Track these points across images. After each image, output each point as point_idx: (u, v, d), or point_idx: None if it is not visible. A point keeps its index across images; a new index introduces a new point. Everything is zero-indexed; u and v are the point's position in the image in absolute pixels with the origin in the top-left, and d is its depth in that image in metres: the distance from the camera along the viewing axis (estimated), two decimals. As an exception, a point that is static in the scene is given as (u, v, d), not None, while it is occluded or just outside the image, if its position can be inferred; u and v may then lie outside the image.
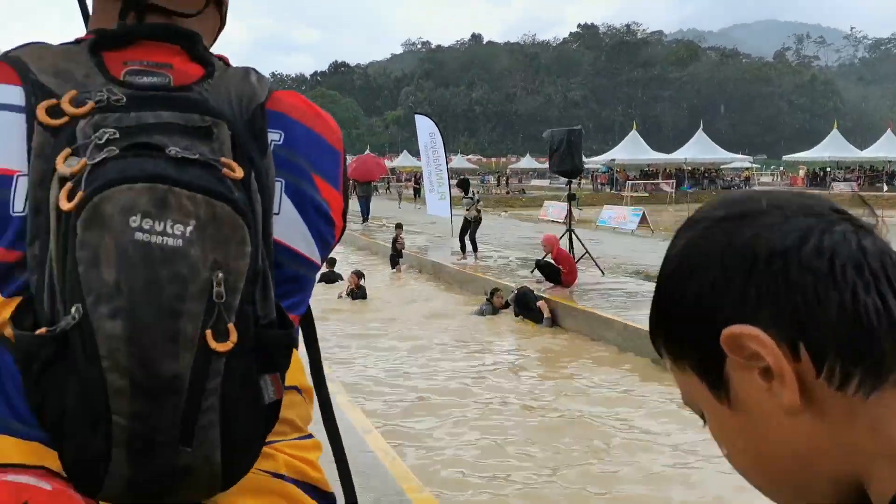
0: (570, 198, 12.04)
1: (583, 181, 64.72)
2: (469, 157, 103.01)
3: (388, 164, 79.99)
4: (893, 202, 38.91)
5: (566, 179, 12.70)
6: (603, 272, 11.07)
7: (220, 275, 0.76)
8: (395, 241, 14.55)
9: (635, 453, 5.22)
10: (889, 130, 55.47)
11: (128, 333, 0.72)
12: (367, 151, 77.02)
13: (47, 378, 0.75)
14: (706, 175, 55.23)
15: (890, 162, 53.22)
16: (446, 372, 7.37)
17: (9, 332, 0.80)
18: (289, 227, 0.91)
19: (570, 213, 11.95)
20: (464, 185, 15.25)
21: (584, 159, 78.42)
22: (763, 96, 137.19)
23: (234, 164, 0.81)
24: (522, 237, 19.48)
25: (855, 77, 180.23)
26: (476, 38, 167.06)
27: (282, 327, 0.86)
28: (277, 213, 0.89)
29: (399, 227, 15.14)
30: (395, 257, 14.29)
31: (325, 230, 0.96)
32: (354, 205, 27.56)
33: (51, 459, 0.79)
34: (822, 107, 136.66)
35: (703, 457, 5.03)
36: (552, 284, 9.69)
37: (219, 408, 0.77)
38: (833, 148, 53.07)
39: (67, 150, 0.77)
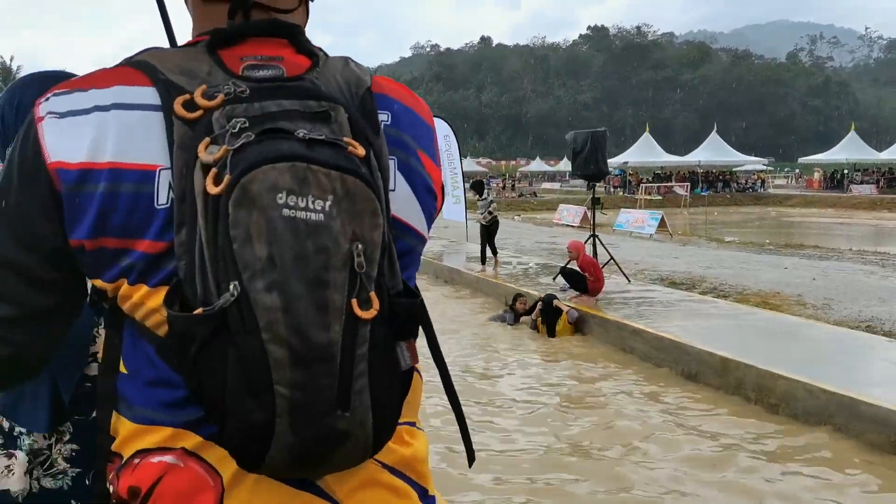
0: (595, 202, 11.57)
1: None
2: (479, 160, 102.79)
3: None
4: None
5: (582, 183, 12.31)
6: (629, 280, 10.64)
7: (360, 246, 0.80)
8: None
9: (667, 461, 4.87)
10: (906, 132, 54.90)
11: (284, 305, 0.76)
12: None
13: (207, 356, 0.78)
14: (720, 178, 54.67)
15: (911, 164, 52.64)
16: (477, 383, 7.01)
17: (153, 321, 0.85)
18: (403, 203, 0.96)
19: (593, 217, 11.50)
20: (478, 187, 14.81)
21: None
22: (776, 98, 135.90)
23: (356, 143, 0.85)
24: (539, 242, 19.10)
25: (870, 78, 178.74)
26: (485, 40, 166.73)
27: (408, 296, 0.89)
28: (393, 190, 0.93)
29: None
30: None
31: (431, 204, 1.01)
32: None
33: (188, 441, 0.86)
34: (837, 108, 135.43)
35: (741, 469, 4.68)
36: (577, 293, 9.27)
37: (367, 373, 0.80)
38: (850, 150, 52.41)
39: (207, 140, 0.82)
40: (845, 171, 53.82)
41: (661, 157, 52.98)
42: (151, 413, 0.87)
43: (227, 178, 0.78)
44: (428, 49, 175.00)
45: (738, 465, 4.82)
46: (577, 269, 9.34)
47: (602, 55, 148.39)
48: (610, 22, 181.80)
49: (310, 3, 1.06)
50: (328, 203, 0.79)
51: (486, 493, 4.51)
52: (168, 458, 0.85)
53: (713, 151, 52.05)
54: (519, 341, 8.80)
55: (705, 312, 8.48)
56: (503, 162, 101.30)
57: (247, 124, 0.82)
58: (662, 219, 20.47)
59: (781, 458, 4.92)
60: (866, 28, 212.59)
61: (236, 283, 0.76)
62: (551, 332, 8.53)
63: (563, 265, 10.24)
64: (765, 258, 15.12)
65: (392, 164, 0.94)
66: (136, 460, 0.87)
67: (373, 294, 0.81)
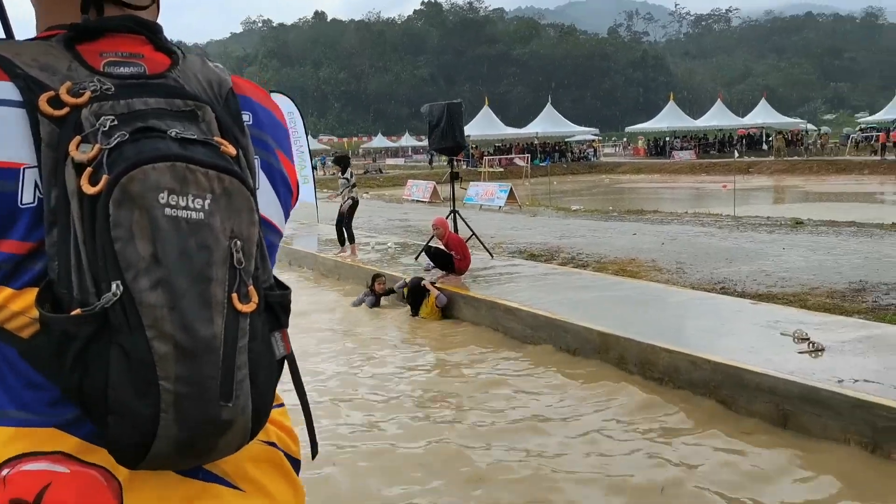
0: (454, 176, 11.22)
1: (435, 158, 64.89)
2: (320, 137, 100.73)
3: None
4: (728, 168, 41.76)
5: (425, 158, 11.98)
6: (492, 255, 10.43)
7: (238, 242, 0.83)
8: None
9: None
10: (719, 101, 59.58)
11: (170, 301, 0.77)
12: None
13: (87, 356, 0.78)
14: (556, 148, 56.82)
15: (721, 130, 57.10)
16: (334, 375, 6.44)
17: (16, 323, 0.82)
18: (266, 201, 0.99)
19: (452, 193, 11.17)
20: (342, 162, 13.34)
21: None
22: (601, 71, 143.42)
23: (227, 143, 0.87)
24: (391, 219, 18.60)
25: (681, 52, 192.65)
26: (319, 15, 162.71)
27: (279, 289, 0.94)
28: (258, 189, 0.94)
29: None
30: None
31: (288, 201, 1.06)
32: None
33: (66, 444, 0.84)
34: (654, 80, 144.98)
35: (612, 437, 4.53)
36: (443, 272, 8.91)
37: (248, 364, 0.83)
38: (670, 119, 56.10)
39: (77, 138, 0.81)
40: (667, 139, 57.47)
41: (500, 130, 54.17)
42: (16, 415, 0.84)
43: (105, 177, 0.78)
44: (260, 24, 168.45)
45: (633, 445, 4.64)
46: (442, 247, 8.97)
47: (437, 31, 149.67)
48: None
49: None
50: (207, 201, 0.81)
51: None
52: (48, 465, 0.82)
53: (549, 123, 53.99)
54: (382, 323, 8.35)
55: (574, 285, 8.39)
56: (345, 139, 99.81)
57: (116, 122, 0.82)
58: (511, 191, 20.64)
59: (676, 433, 4.80)
60: (675, 4, 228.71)
61: (118, 282, 0.76)
62: (415, 312, 8.16)
63: (425, 243, 9.85)
64: (612, 225, 15.54)
65: (256, 163, 0.96)
66: (6, 471, 0.83)
67: (251, 288, 0.84)
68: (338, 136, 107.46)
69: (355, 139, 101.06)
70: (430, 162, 60.62)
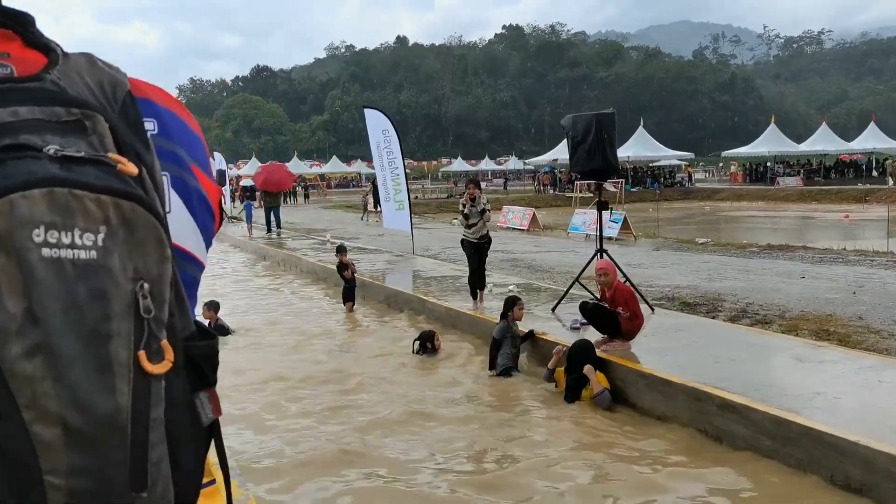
0: (601, 206, 9.06)
1: (526, 183, 62.75)
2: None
3: (317, 170, 76.65)
4: (841, 196, 38.21)
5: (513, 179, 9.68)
6: (652, 308, 8.21)
7: (145, 285, 0.65)
8: (340, 268, 11.22)
9: None
10: (824, 125, 55.54)
11: (52, 372, 0.60)
12: (295, 158, 74.13)
13: None
14: (648, 173, 53.96)
15: (826, 155, 53.28)
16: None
17: None
18: (181, 227, 0.83)
19: (600, 227, 9.01)
20: (476, 186, 10.07)
21: (524, 162, 76.66)
22: (686, 94, 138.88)
23: (125, 160, 0.69)
24: (493, 251, 16.38)
25: (771, 74, 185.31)
26: (401, 40, 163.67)
27: (203, 338, 0.77)
28: (169, 212, 0.81)
29: (342, 250, 11.51)
30: (349, 290, 11.12)
31: (209, 224, 0.90)
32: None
33: None
34: (744, 104, 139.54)
35: None
36: (604, 336, 6.73)
37: (165, 439, 0.67)
38: (770, 143, 52.72)
39: None
40: (768, 164, 54.07)
41: (589, 154, 51.65)
42: None
43: None
44: (343, 50, 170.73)
45: None
46: (603, 301, 6.79)
47: (518, 54, 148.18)
48: (522, 21, 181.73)
49: None
50: (101, 235, 0.63)
51: None
52: None
53: (641, 146, 51.15)
54: (526, 411, 6.22)
55: (786, 358, 6.14)
56: (424, 162, 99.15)
57: None
58: (626, 219, 18.28)
59: None
60: (764, 27, 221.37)
61: None
62: (575, 396, 6.04)
63: (588, 298, 7.66)
64: (761, 264, 13.16)
65: (165, 180, 0.78)
66: None
67: (164, 342, 0.66)
68: (416, 159, 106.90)
69: (434, 162, 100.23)
70: (505, 186, 58.57)
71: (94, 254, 0.62)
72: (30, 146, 0.63)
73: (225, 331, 9.20)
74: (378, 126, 14.87)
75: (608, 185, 49.21)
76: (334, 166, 78.19)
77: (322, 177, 72.52)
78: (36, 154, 0.63)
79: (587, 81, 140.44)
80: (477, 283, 9.51)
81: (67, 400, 0.59)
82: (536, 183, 55.17)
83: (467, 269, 10.03)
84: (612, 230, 18.24)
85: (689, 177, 54.72)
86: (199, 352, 0.73)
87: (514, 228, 22.64)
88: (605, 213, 18.86)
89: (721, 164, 68.31)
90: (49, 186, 0.61)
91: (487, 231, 9.57)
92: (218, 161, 30.59)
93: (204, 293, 11.67)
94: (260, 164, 47.88)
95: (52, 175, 0.61)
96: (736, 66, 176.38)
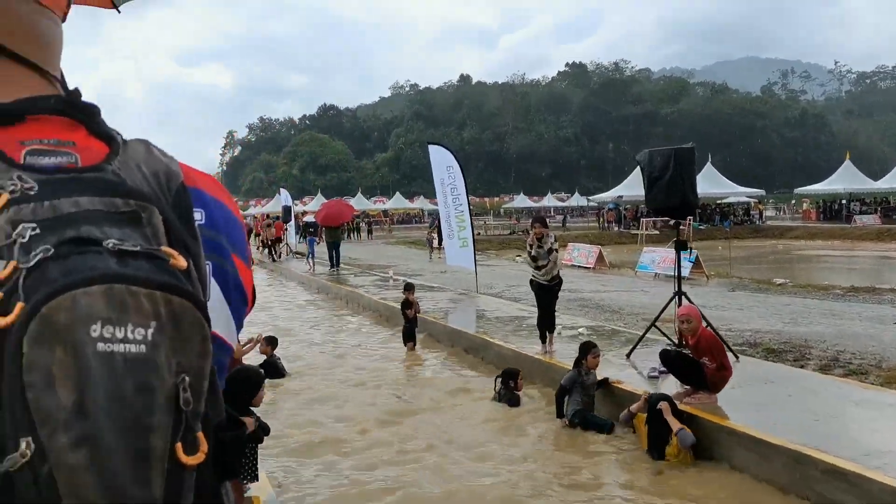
0: (680, 246, 8.59)
1: (589, 219, 61.90)
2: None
3: (381, 206, 77.47)
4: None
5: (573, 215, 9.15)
6: (737, 356, 7.66)
7: (187, 379, 0.66)
8: (404, 305, 10.97)
9: None
10: (903, 160, 53.24)
11: (94, 462, 0.61)
12: (359, 194, 75.12)
13: None
14: (716, 210, 52.55)
15: (904, 193, 51.05)
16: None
17: None
18: (217, 315, 0.81)
19: (678, 267, 8.53)
20: (543, 224, 9.50)
21: (587, 198, 76.00)
22: (754, 130, 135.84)
23: (176, 253, 0.70)
24: (564, 291, 15.75)
25: (843, 110, 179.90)
26: (465, 78, 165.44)
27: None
28: (208, 301, 0.78)
29: (410, 288, 11.29)
30: (409, 330, 10.84)
31: (242, 311, 0.89)
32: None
33: None
34: (815, 140, 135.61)
35: None
36: (686, 388, 6.23)
37: None
38: (846, 180, 50.87)
39: None
40: (843, 202, 52.09)
41: (655, 191, 50.46)
42: None
43: (19, 305, 0.61)
44: (407, 89, 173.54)
45: None
46: (685, 348, 6.31)
47: (581, 91, 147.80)
48: (585, 59, 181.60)
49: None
50: (150, 331, 0.64)
51: None
52: None
53: (708, 183, 49.74)
54: (606, 469, 5.74)
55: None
56: (486, 199, 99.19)
57: (37, 230, 0.64)
58: (698, 258, 17.55)
59: None
60: (836, 62, 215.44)
61: (29, 439, 0.59)
62: (659, 453, 5.54)
63: (667, 344, 7.19)
64: (846, 307, 12.37)
65: (207, 269, 0.79)
66: None
67: (200, 434, 0.67)
68: (479, 195, 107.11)
69: (496, 199, 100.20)
70: (563, 223, 57.83)
71: (143, 348, 0.63)
72: (90, 238, 0.65)
73: (278, 371, 9.03)
74: (442, 162, 14.70)
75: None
76: (397, 202, 78.90)
77: (385, 213, 73.21)
78: (97, 249, 0.64)
79: (652, 118, 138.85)
80: (546, 325, 9.06)
81: (104, 489, 0.60)
82: (601, 220, 54.32)
83: (532, 308, 9.58)
84: (684, 270, 17.54)
85: (760, 214, 52.99)
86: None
87: (579, 266, 22.09)
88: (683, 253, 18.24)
89: (793, 202, 66.07)
90: (109, 283, 0.62)
91: (558, 272, 9.13)
92: (283, 197, 31.02)
93: (264, 326, 11.53)
94: (324, 200, 48.61)
95: (112, 271, 0.63)
96: (806, 102, 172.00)
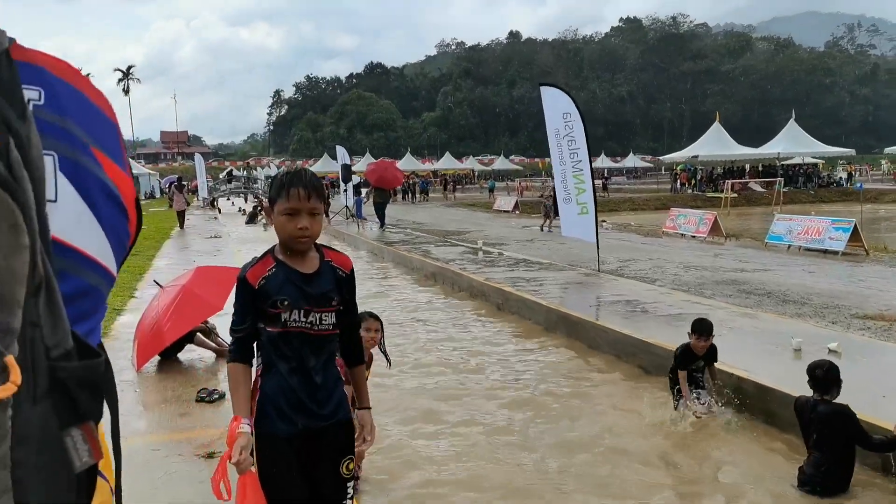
0: None
1: (659, 180, 58.14)
2: (511, 157, 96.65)
3: (430, 166, 74.50)
4: None
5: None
6: None
7: None
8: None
9: None
10: None
11: None
12: (408, 154, 72.36)
13: None
14: (801, 171, 48.43)
15: None
16: None
17: None
18: (71, 220, 0.68)
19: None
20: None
21: (646, 158, 72.44)
22: (822, 88, 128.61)
23: None
24: (690, 265, 12.90)
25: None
26: (514, 35, 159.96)
27: (83, 357, 0.61)
28: (54, 201, 0.67)
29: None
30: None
31: (119, 224, 0.73)
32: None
33: None
34: (888, 97, 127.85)
35: None
36: None
37: (10, 487, 0.53)
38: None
39: None
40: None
41: (733, 150, 46.51)
42: None
43: None
44: (454, 47, 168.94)
45: None
46: None
47: (637, 47, 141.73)
48: (640, 14, 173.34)
49: None
50: None
51: None
52: None
53: (793, 142, 45.51)
54: None
55: None
56: (538, 160, 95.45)
57: None
58: (856, 227, 14.33)
59: None
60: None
61: None
62: None
63: None
64: None
65: (50, 161, 0.66)
66: None
67: (10, 359, 0.52)
68: (529, 156, 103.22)
69: (548, 159, 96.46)
70: (605, 188, 54.22)
71: None
72: None
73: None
74: (558, 108, 11.75)
75: (755, 185, 44.34)
76: (447, 163, 75.92)
77: (435, 173, 70.33)
78: None
79: (712, 75, 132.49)
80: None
81: None
82: (673, 181, 50.62)
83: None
84: (836, 243, 14.36)
85: (849, 176, 48.70)
86: (70, 375, 0.55)
87: (690, 235, 18.97)
88: (826, 222, 15.01)
89: (871, 163, 61.13)
90: None
91: None
92: (341, 155, 28.50)
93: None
94: (372, 160, 45.96)
95: None
96: (876, 57, 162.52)
